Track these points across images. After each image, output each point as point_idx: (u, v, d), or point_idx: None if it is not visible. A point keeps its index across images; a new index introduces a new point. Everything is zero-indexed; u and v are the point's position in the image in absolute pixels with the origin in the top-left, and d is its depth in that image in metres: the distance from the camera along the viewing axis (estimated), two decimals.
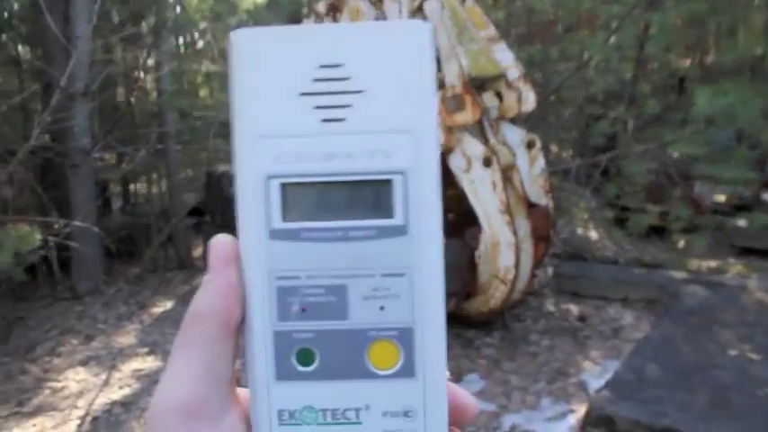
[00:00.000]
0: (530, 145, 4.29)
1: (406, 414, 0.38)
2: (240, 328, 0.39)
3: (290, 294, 0.38)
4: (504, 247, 3.95)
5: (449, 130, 3.88)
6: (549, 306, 4.83)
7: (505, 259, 3.97)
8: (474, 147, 3.88)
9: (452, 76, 3.83)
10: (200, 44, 8.18)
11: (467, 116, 3.77)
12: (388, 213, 0.38)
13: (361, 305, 0.38)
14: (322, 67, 0.37)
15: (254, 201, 0.38)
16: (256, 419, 0.38)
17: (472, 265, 3.96)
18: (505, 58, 4.18)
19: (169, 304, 5.43)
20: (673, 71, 5.60)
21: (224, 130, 6.56)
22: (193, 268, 6.39)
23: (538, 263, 4.20)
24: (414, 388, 0.38)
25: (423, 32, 0.37)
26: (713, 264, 5.76)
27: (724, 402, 2.91)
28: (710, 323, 3.90)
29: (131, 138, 6.32)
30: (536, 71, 6.14)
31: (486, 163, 3.82)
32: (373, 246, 0.37)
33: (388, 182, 0.37)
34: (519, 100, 4.03)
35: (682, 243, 6.61)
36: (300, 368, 0.38)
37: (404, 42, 0.37)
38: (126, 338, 4.75)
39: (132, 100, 5.47)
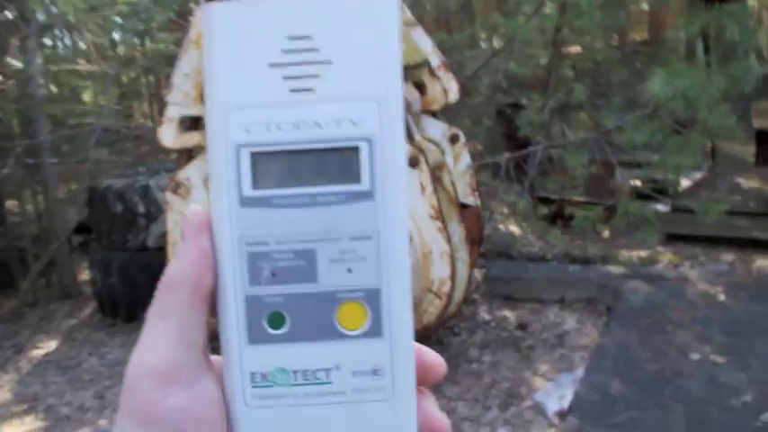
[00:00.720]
0: (453, 140, 3.88)
1: (374, 372, 0.39)
2: (213, 294, 0.39)
3: (260, 260, 0.38)
4: (436, 257, 3.51)
5: None
6: (484, 314, 4.44)
7: (439, 270, 3.53)
8: None
9: None
10: (79, 43, 7.30)
11: None
12: (356, 179, 0.38)
13: (329, 268, 0.38)
14: (290, 38, 0.38)
15: (225, 170, 0.38)
16: (230, 382, 0.39)
17: None
18: (425, 44, 3.74)
19: (53, 344, 4.66)
20: (591, 54, 5.35)
21: (107, 138, 5.78)
22: (81, 297, 5.60)
23: (472, 269, 3.79)
24: (381, 347, 0.38)
25: (389, 4, 0.38)
26: (642, 253, 5.58)
27: (703, 419, 2.58)
28: (663, 323, 3.61)
29: None
30: (446, 59, 5.76)
31: (413, 163, 3.35)
32: (341, 210, 0.38)
33: (355, 149, 0.38)
34: (444, 91, 3.60)
35: (606, 234, 6.44)
36: (271, 331, 0.38)
37: (371, 14, 0.38)
38: None
39: None
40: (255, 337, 0.38)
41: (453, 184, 3.54)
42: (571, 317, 4.33)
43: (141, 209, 4.72)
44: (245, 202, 0.38)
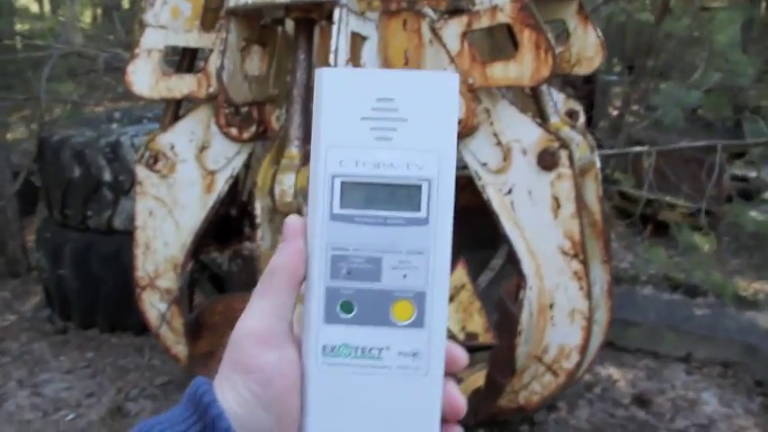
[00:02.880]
0: (570, 116, 2.52)
1: (414, 355, 0.52)
2: (302, 283, 0.53)
3: (340, 261, 0.52)
4: (561, 315, 2.18)
5: (471, 94, 2.04)
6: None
7: (562, 334, 2.21)
8: (521, 129, 2.05)
9: None
10: None
11: (522, 70, 1.92)
12: (416, 208, 0.51)
13: (390, 273, 0.52)
14: (378, 100, 0.51)
15: (321, 192, 0.51)
16: (306, 350, 0.52)
17: (509, 348, 2.17)
18: None
19: None
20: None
21: (69, 65, 4.33)
22: (31, 276, 4.26)
23: (608, 330, 2.46)
24: (422, 336, 0.52)
25: (452, 80, 0.52)
26: (757, 284, 4.27)
27: None
28: None
29: None
30: None
31: (547, 162, 2.00)
32: (403, 231, 0.51)
33: (418, 186, 0.51)
34: (598, 44, 2.21)
35: (707, 248, 5.12)
36: (342, 315, 0.52)
37: (438, 86, 0.52)
38: None
39: None
40: (330, 318, 0.52)
41: (601, 201, 2.19)
42: (707, 389, 3.03)
43: (108, 176, 3.36)
44: (334, 217, 0.51)
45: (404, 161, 0.51)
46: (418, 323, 0.51)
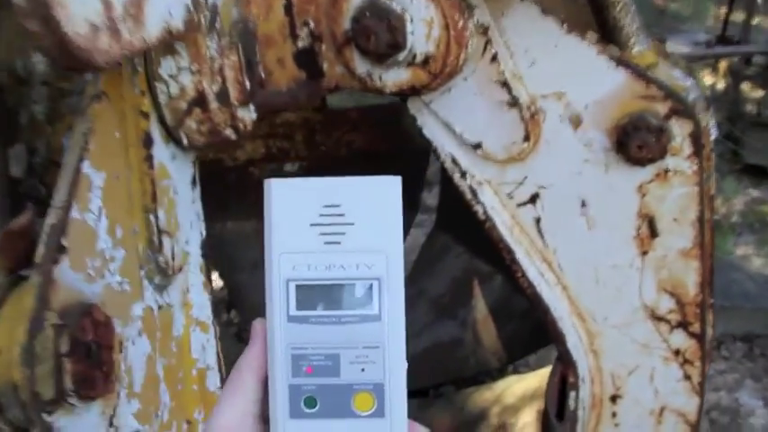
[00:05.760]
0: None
1: None
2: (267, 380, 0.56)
3: (300, 359, 0.54)
4: (635, 414, 1.18)
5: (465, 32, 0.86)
6: None
7: None
8: (570, 71, 0.92)
9: None
10: None
11: None
12: (369, 306, 0.54)
13: (348, 367, 0.54)
14: (325, 206, 0.54)
15: (277, 296, 0.54)
16: None
17: None
18: None
19: None
20: None
21: None
22: None
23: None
24: (384, 425, 0.54)
25: (395, 184, 0.54)
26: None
27: None
28: None
29: None
30: None
31: (646, 147, 0.89)
32: (357, 328, 0.54)
33: (369, 285, 0.54)
34: None
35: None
36: (306, 410, 0.54)
37: (381, 190, 0.54)
38: None
39: None
40: (295, 413, 0.54)
41: (712, 203, 1.12)
42: (740, 384, 2.21)
43: None
44: (291, 319, 0.54)
45: (353, 262, 0.53)
46: (379, 413, 0.54)
